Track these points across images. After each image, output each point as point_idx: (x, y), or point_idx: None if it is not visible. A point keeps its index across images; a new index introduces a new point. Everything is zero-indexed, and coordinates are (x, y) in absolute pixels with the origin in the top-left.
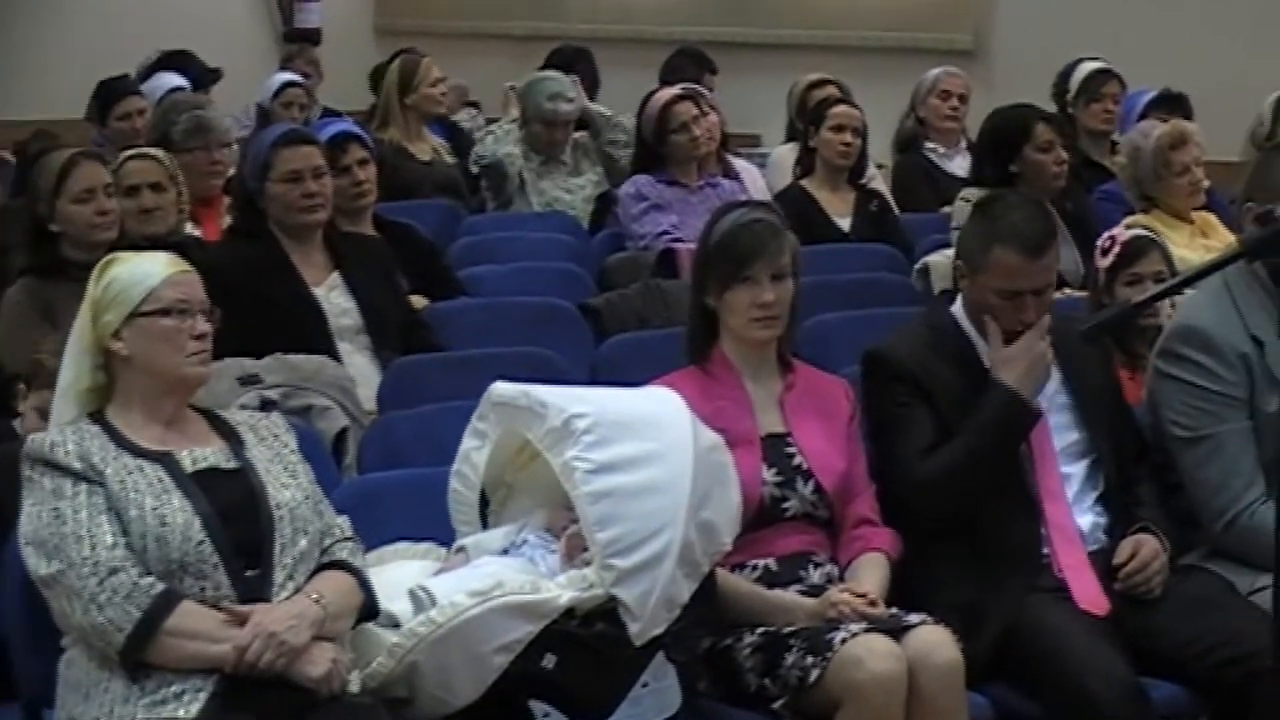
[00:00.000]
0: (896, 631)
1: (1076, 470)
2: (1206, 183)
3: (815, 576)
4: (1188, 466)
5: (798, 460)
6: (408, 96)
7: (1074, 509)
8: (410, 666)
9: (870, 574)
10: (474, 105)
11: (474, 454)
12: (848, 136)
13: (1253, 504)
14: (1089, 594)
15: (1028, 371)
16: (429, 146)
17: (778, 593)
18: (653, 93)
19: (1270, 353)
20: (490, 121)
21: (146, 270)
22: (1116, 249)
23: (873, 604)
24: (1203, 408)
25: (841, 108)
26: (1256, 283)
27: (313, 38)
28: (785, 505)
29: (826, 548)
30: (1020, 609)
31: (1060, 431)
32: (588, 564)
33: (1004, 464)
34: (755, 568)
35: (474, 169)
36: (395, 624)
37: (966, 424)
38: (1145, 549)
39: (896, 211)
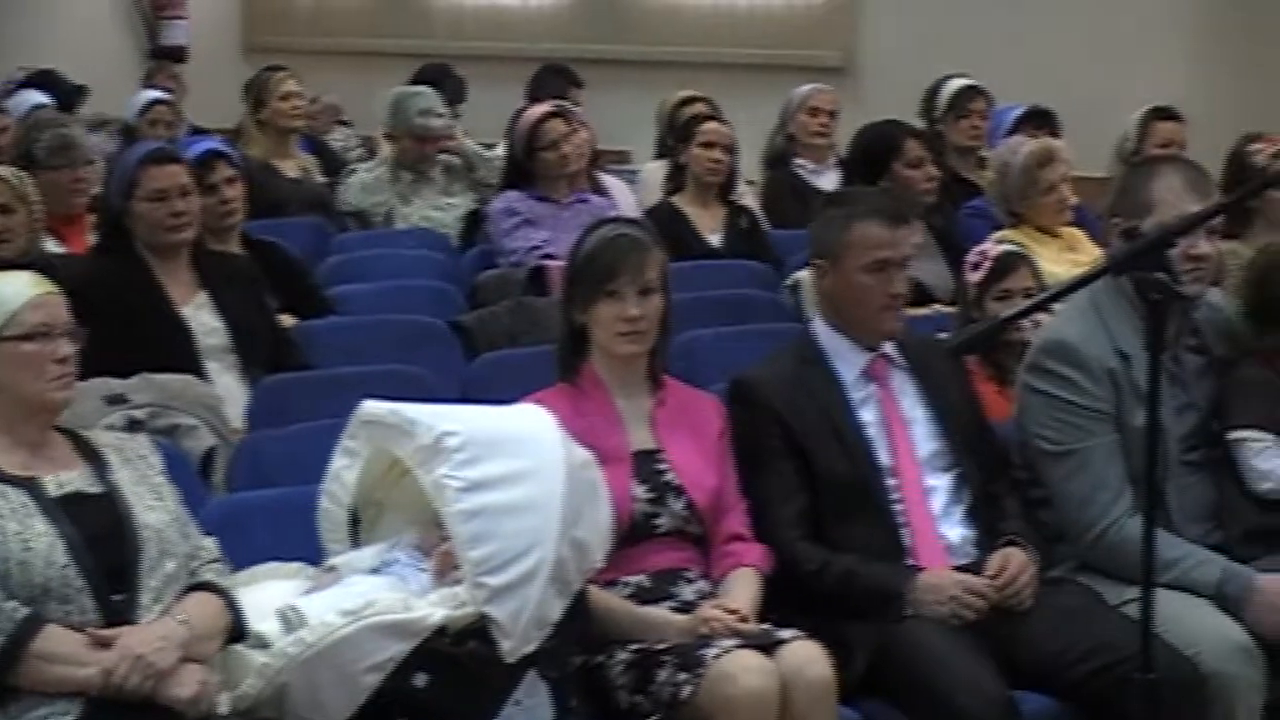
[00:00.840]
0: (769, 647)
1: (942, 483)
2: (1074, 199)
3: (688, 593)
4: (1055, 481)
5: (669, 476)
6: (261, 112)
7: (942, 522)
8: (280, 687)
9: (742, 589)
10: (346, 124)
11: (344, 473)
12: (717, 153)
13: (1119, 518)
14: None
15: (933, 604)
16: (297, 164)
17: (649, 609)
18: (523, 109)
19: (1136, 366)
20: (365, 140)
21: (7, 293)
22: (987, 264)
23: (744, 620)
24: (1070, 422)
25: (711, 124)
26: (1123, 297)
27: (179, 55)
28: (656, 522)
29: (699, 564)
30: (890, 624)
31: (922, 443)
32: (459, 582)
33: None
34: (627, 584)
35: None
36: (265, 644)
37: (858, 565)
38: (1014, 562)
39: (766, 228)
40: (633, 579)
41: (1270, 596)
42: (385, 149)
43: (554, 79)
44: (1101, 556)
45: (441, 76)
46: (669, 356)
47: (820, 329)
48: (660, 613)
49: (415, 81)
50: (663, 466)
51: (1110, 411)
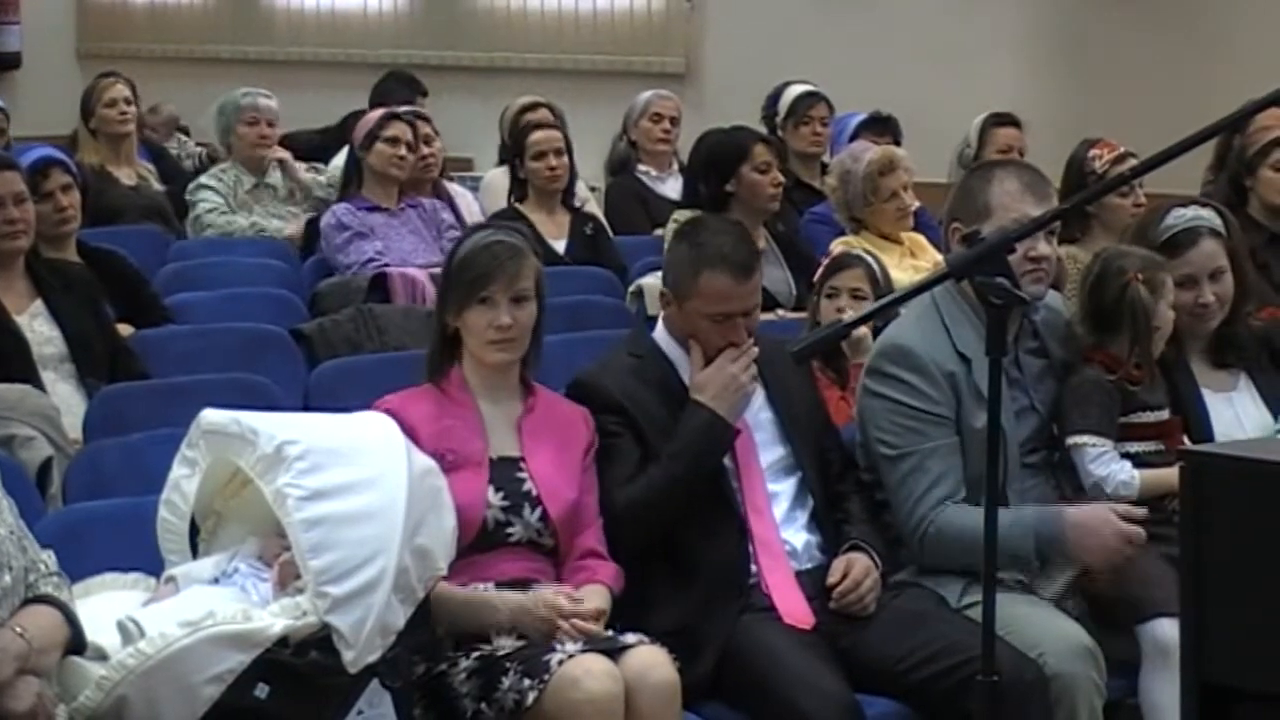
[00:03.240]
0: (614, 652)
1: (785, 488)
2: (915, 204)
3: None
4: (892, 483)
5: (527, 486)
6: (90, 120)
7: (786, 527)
8: (119, 700)
9: (590, 599)
10: (183, 131)
11: (183, 482)
12: (551, 160)
13: (939, 512)
14: (794, 610)
15: (722, 392)
16: (134, 172)
17: (476, 589)
18: (363, 111)
19: (977, 369)
20: (203, 146)
21: None
22: (824, 263)
23: (589, 616)
24: (908, 425)
25: (539, 134)
26: (963, 301)
27: (12, 61)
28: (510, 530)
29: (549, 575)
30: (733, 630)
31: (766, 448)
32: (301, 592)
33: (706, 483)
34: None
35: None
36: (103, 656)
37: (665, 449)
38: (857, 567)
39: (610, 234)
40: (481, 585)
41: (1083, 522)
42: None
43: (399, 87)
44: (928, 550)
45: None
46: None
47: (661, 336)
48: (488, 593)
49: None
50: (522, 475)
51: (949, 415)
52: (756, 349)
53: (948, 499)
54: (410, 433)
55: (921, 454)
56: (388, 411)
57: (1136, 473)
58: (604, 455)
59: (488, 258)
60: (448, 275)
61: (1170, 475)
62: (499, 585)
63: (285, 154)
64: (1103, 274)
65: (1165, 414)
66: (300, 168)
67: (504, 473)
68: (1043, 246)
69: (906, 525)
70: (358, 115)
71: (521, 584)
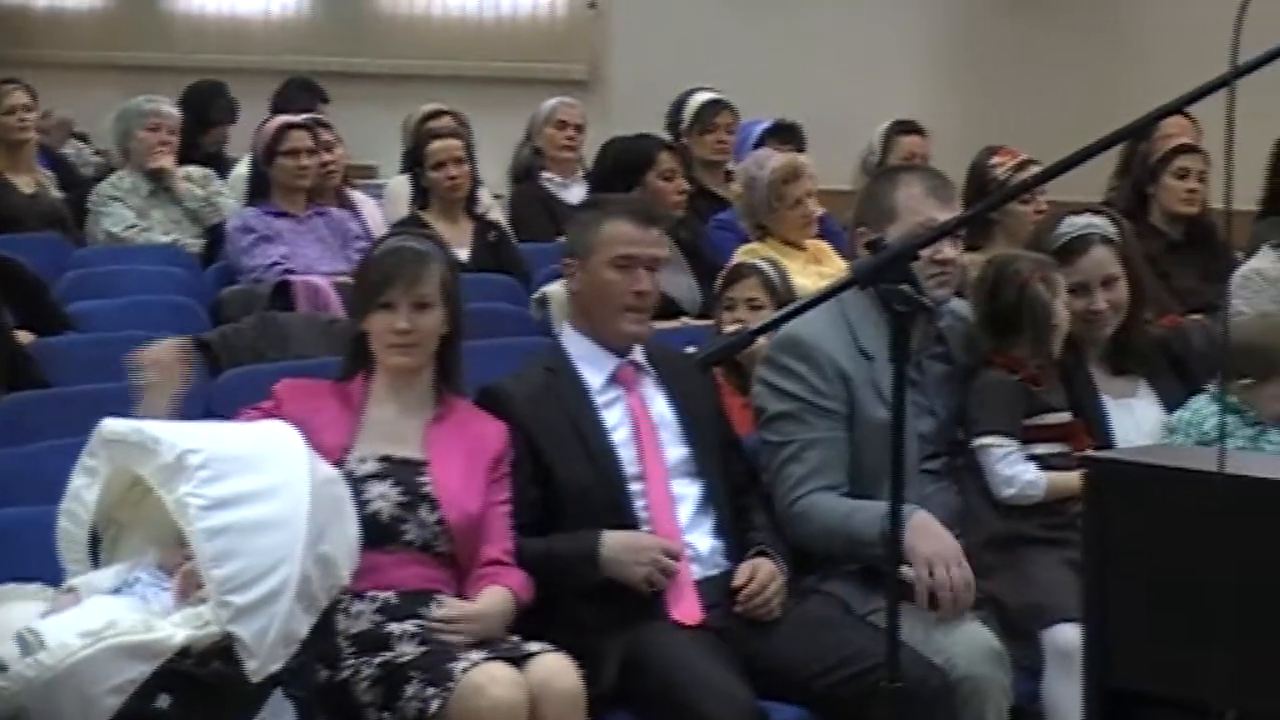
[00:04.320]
0: (518, 660)
1: (691, 492)
2: (820, 211)
3: (437, 614)
4: (772, 467)
5: (427, 489)
6: None
7: (692, 531)
8: (17, 710)
9: (485, 599)
10: (81, 137)
11: (84, 492)
12: (452, 170)
13: (807, 495)
14: (684, 607)
15: (635, 563)
16: (33, 179)
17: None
18: (266, 120)
19: (880, 368)
20: (100, 153)
21: None
22: (724, 274)
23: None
24: (792, 413)
25: (440, 142)
26: (869, 304)
27: None
28: (404, 528)
29: (450, 586)
30: (638, 637)
31: (669, 447)
32: (203, 601)
33: (605, 490)
34: (375, 599)
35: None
36: (2, 668)
37: (553, 541)
38: (762, 571)
39: (514, 241)
40: (381, 595)
41: (926, 525)
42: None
43: (300, 94)
44: (791, 531)
45: (213, 95)
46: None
47: (569, 336)
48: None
49: (185, 99)
50: (423, 478)
51: (839, 410)
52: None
53: (822, 488)
54: (279, 416)
55: (801, 443)
56: (278, 392)
57: (1043, 474)
58: None
59: (391, 263)
60: (357, 279)
61: (1075, 478)
62: (399, 594)
63: (167, 162)
64: (999, 278)
65: (1068, 416)
66: (179, 174)
67: (404, 473)
68: (948, 250)
69: (780, 505)
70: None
71: (423, 595)
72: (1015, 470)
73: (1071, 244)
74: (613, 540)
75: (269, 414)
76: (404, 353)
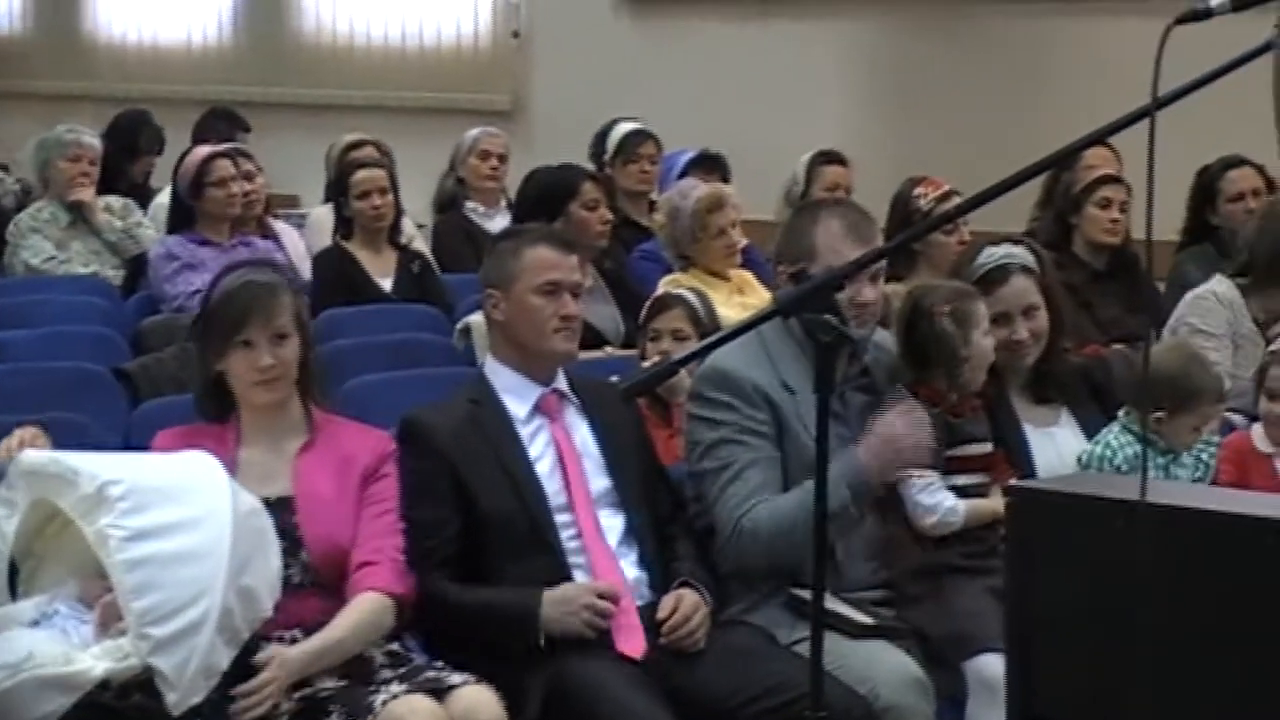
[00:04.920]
0: (439, 692)
1: (615, 524)
2: (744, 241)
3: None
4: (713, 495)
5: (297, 532)
6: None
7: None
8: None
9: (342, 619)
10: (1, 167)
11: (2, 523)
12: (375, 200)
13: (752, 509)
14: (629, 641)
15: (567, 614)
16: None
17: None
18: (188, 150)
19: (802, 401)
20: (20, 182)
21: None
22: (647, 305)
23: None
24: (727, 439)
25: (364, 172)
26: (791, 338)
27: None
28: (289, 572)
29: None
30: (562, 668)
31: (595, 479)
32: (123, 634)
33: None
34: (283, 639)
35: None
36: None
37: (492, 595)
38: (686, 603)
39: (438, 271)
40: (288, 634)
41: (870, 444)
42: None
43: (220, 123)
44: (744, 547)
45: (140, 124)
46: (337, 399)
47: (492, 367)
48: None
49: (111, 129)
50: (293, 517)
51: (768, 432)
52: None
53: (765, 501)
54: None
55: (741, 464)
56: (156, 446)
57: (961, 502)
58: (421, 503)
59: (243, 299)
60: (205, 320)
61: (992, 504)
62: (304, 631)
63: (86, 195)
64: (913, 311)
65: (989, 446)
66: (99, 205)
67: (279, 516)
68: (868, 292)
69: (725, 530)
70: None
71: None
72: (936, 499)
73: (991, 274)
74: (547, 599)
75: None
76: (270, 389)
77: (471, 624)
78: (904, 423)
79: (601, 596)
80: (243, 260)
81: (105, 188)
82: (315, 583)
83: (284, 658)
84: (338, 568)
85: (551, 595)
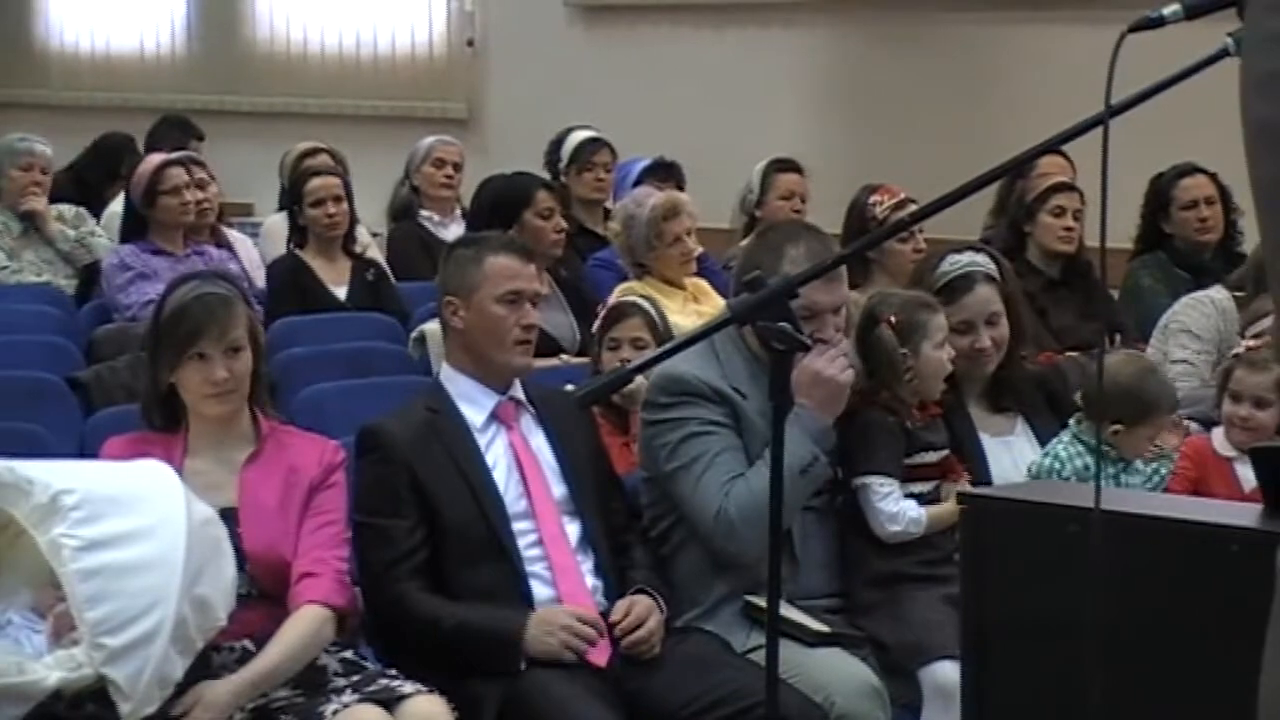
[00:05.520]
0: (390, 702)
1: (572, 531)
2: (699, 249)
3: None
4: (687, 491)
5: (240, 543)
6: None
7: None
8: None
9: (277, 642)
10: None
11: None
12: (330, 208)
13: (733, 487)
14: (596, 651)
15: (546, 635)
16: None
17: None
18: (140, 159)
19: (752, 406)
20: None
21: None
22: (603, 313)
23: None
24: (689, 433)
25: (318, 180)
26: (743, 345)
27: None
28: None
29: None
30: (517, 677)
31: (551, 486)
32: (76, 643)
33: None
34: (234, 649)
35: None
36: None
37: (472, 615)
38: (639, 608)
39: (393, 280)
40: (238, 644)
41: (802, 389)
42: None
43: (172, 131)
44: (737, 531)
45: (125, 150)
46: (292, 408)
47: (449, 375)
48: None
49: (94, 150)
50: (236, 529)
51: (729, 423)
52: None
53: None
54: None
55: (711, 453)
56: (104, 454)
57: (924, 511)
58: (384, 513)
59: (198, 311)
60: (157, 332)
61: (949, 507)
62: (254, 641)
63: (39, 205)
64: (864, 320)
65: (945, 453)
66: (51, 214)
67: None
68: (830, 331)
69: (709, 520)
70: (99, 144)
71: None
72: (899, 507)
73: (955, 283)
74: (531, 622)
75: None
76: (223, 401)
77: (450, 642)
78: (823, 360)
79: (584, 623)
80: (195, 271)
81: (79, 200)
82: (260, 593)
83: (208, 701)
84: (280, 578)
85: (536, 617)
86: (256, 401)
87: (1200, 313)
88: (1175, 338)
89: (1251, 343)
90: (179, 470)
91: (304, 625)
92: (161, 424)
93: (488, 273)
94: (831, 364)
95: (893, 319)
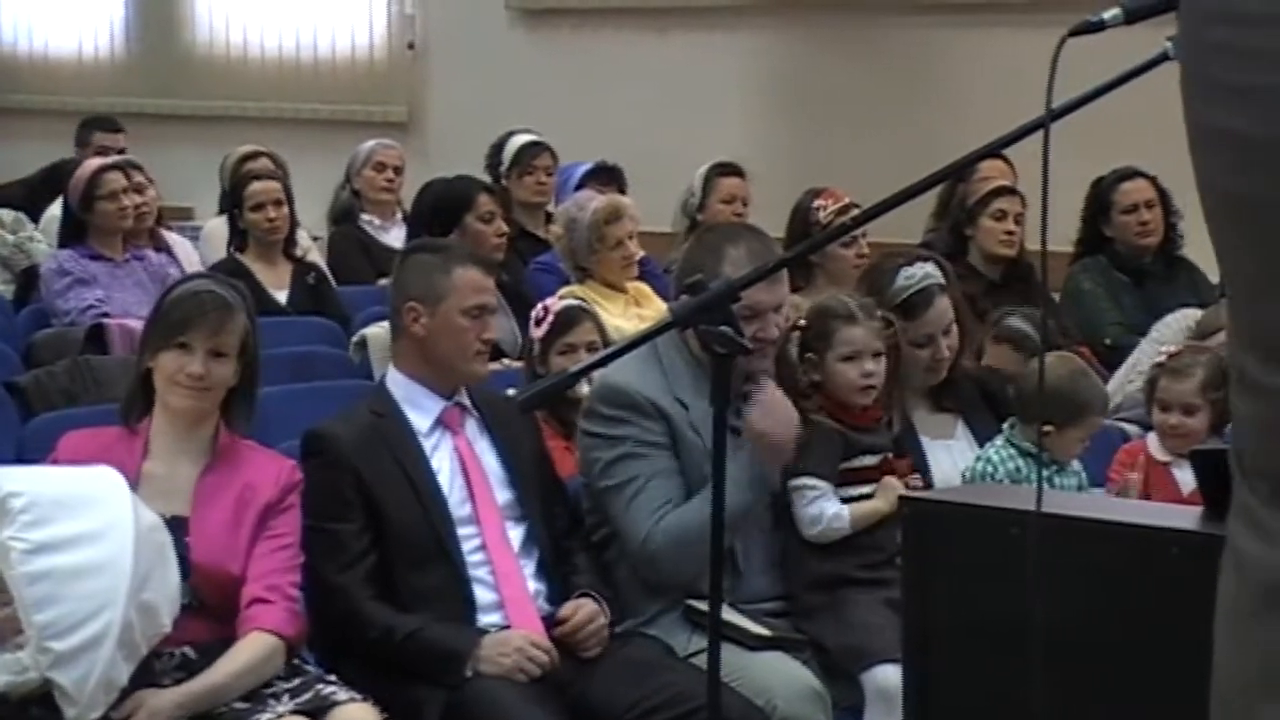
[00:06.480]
0: (321, 711)
1: (516, 535)
2: (641, 253)
3: None
4: (617, 514)
5: (187, 553)
6: None
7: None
8: None
9: (226, 661)
10: None
11: None
12: (270, 211)
13: (664, 517)
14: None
15: (500, 655)
16: None
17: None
18: (77, 163)
19: (695, 413)
20: None
21: None
22: (549, 319)
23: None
24: (625, 454)
25: (258, 184)
26: (686, 349)
27: None
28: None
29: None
30: (462, 679)
31: (496, 491)
32: (22, 647)
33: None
34: (174, 656)
35: None
36: None
37: (424, 628)
38: (583, 611)
39: (333, 284)
40: (178, 650)
41: (754, 412)
42: None
43: (95, 129)
44: (661, 561)
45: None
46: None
47: (395, 379)
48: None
49: (50, 173)
50: (185, 539)
51: (665, 443)
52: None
53: (673, 511)
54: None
55: (645, 478)
56: (60, 449)
57: (845, 508)
58: (332, 518)
59: (194, 305)
60: (154, 316)
61: (874, 504)
62: (195, 648)
63: None
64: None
65: (886, 456)
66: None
67: (174, 536)
68: (771, 328)
69: (635, 545)
70: (58, 166)
71: (219, 644)
72: (820, 508)
73: (914, 299)
74: (486, 641)
75: None
76: (191, 396)
77: (399, 651)
78: (761, 413)
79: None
80: (211, 273)
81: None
82: (202, 604)
83: (152, 707)
84: (224, 592)
85: (492, 637)
86: (232, 417)
87: (1179, 328)
88: (1149, 348)
89: (1172, 349)
90: (136, 471)
91: (255, 652)
92: (135, 414)
93: (456, 284)
94: (777, 424)
95: (801, 323)
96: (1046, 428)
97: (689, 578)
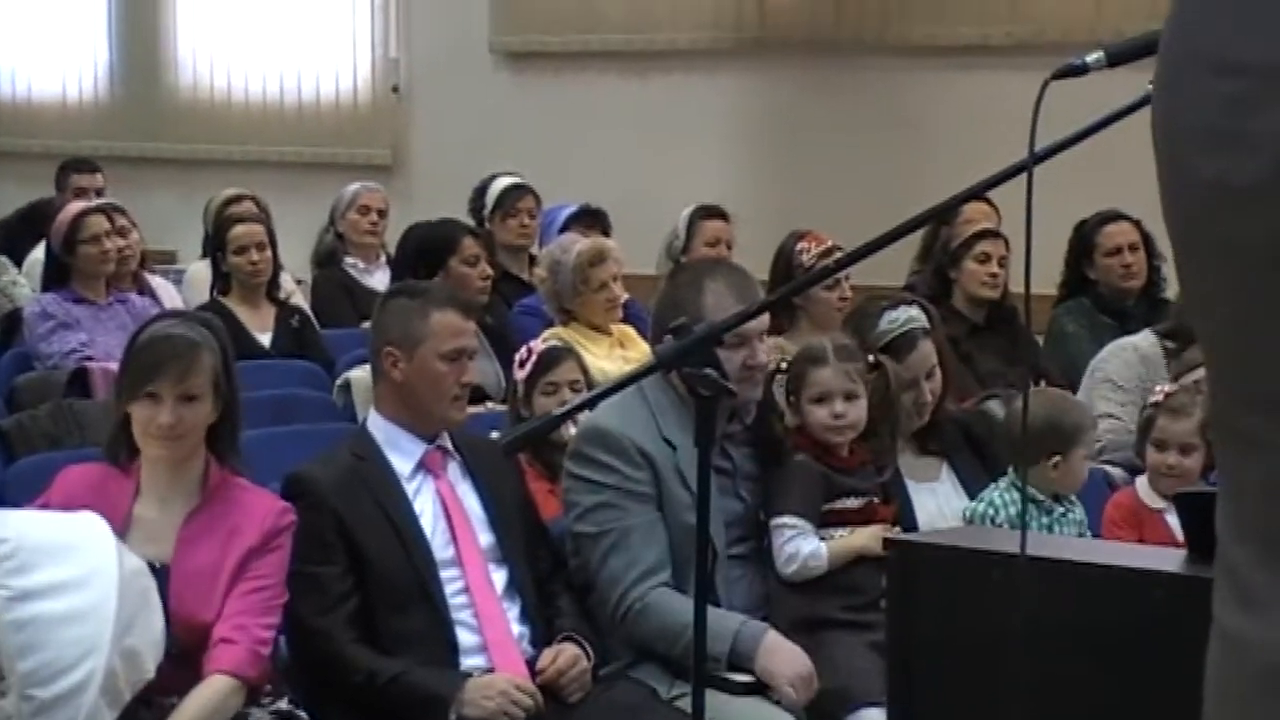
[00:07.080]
0: None
1: (499, 578)
2: (625, 296)
3: None
4: (594, 561)
5: (167, 602)
6: None
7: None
8: None
9: (182, 708)
10: None
11: None
12: (253, 255)
13: (645, 593)
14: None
15: (484, 699)
16: None
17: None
18: (60, 206)
19: (683, 455)
20: None
21: None
22: (533, 359)
23: None
24: (608, 503)
25: (241, 228)
26: (672, 391)
27: None
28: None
29: None
30: None
31: (478, 534)
32: (4, 694)
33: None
34: (162, 706)
35: None
36: None
37: (407, 672)
38: (565, 655)
39: (317, 327)
40: (168, 700)
41: (777, 648)
42: None
43: (68, 173)
44: (629, 628)
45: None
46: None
47: (376, 423)
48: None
49: (29, 212)
50: (165, 587)
51: (649, 492)
52: None
53: (652, 575)
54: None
55: (621, 530)
56: (56, 485)
57: (823, 545)
58: (315, 561)
59: (160, 351)
60: (124, 361)
61: (851, 541)
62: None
63: None
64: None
65: (867, 499)
66: None
67: (158, 582)
68: (760, 355)
69: (609, 602)
70: (36, 206)
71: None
72: (798, 546)
73: (898, 342)
74: (470, 685)
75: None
76: (164, 446)
77: (382, 694)
78: (768, 659)
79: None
80: (182, 311)
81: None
82: (181, 652)
83: None
84: (202, 642)
85: (475, 681)
86: (220, 452)
87: (1122, 361)
88: (1098, 388)
89: (1169, 388)
90: (127, 513)
91: (208, 695)
92: (119, 458)
93: (434, 328)
94: (784, 664)
95: (782, 365)
96: (1055, 458)
97: (652, 651)
